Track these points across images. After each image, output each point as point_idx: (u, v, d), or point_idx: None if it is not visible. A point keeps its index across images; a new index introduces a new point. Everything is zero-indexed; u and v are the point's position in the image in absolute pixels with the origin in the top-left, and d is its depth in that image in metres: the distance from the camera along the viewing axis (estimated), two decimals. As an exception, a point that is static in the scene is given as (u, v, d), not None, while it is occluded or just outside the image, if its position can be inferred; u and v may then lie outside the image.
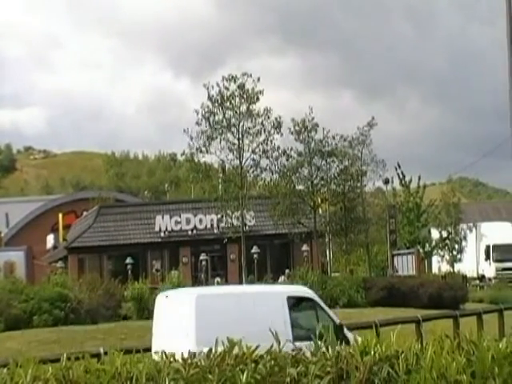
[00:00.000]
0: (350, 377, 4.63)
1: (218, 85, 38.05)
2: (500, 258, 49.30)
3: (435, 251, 50.75)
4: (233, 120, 38.22)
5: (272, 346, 4.97)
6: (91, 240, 49.38)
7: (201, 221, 50.00)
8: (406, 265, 43.26)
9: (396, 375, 4.67)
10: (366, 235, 45.32)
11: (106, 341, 22.22)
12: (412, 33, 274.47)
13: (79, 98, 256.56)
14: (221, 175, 41.36)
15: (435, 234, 50.85)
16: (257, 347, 4.89)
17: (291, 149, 40.92)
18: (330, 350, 4.82)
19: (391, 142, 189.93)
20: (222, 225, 43.06)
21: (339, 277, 38.86)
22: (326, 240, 50.90)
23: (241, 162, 38.74)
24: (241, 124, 38.26)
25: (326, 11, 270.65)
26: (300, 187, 42.34)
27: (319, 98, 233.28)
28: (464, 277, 42.54)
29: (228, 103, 38.11)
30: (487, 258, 50.54)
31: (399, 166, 49.88)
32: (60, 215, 65.43)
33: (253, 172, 40.18)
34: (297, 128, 40.81)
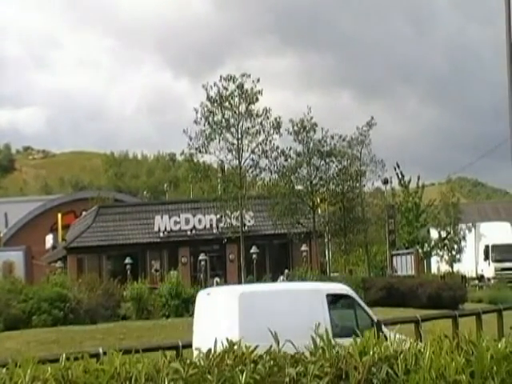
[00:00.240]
0: (349, 377, 4.63)
1: (216, 85, 38.08)
2: (499, 258, 49.29)
3: (434, 251, 50.78)
4: (232, 120, 38.23)
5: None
6: (90, 240, 49.36)
7: (200, 221, 49.98)
8: (405, 265, 43.28)
9: (395, 375, 4.67)
10: (365, 235, 45.33)
11: (105, 341, 22.23)
12: (411, 33, 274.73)
13: (78, 98, 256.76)
14: (220, 175, 41.36)
15: (434, 234, 50.88)
16: (256, 347, 4.90)
17: (290, 149, 40.97)
18: (328, 350, 4.82)
19: (390, 142, 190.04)
20: (221, 225, 43.08)
21: (338, 277, 38.90)
22: (325, 240, 50.91)
23: (240, 162, 38.75)
24: (240, 124, 38.28)
25: (325, 11, 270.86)
26: (299, 187, 42.35)
27: (317, 98, 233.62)
28: (463, 277, 42.57)
29: (227, 103, 38.12)
30: (486, 258, 50.54)
31: (398, 166, 49.95)
32: (59, 215, 65.39)
33: (252, 172, 40.21)
34: (295, 128, 40.82)
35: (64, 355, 4.83)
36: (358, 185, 44.00)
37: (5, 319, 26.93)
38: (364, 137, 42.75)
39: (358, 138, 42.70)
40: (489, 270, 50.01)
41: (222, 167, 41.03)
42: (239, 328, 12.58)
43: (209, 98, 38.12)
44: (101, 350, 14.14)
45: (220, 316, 13.62)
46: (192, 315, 29.85)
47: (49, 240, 62.04)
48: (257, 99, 38.06)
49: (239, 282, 39.55)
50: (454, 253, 50.41)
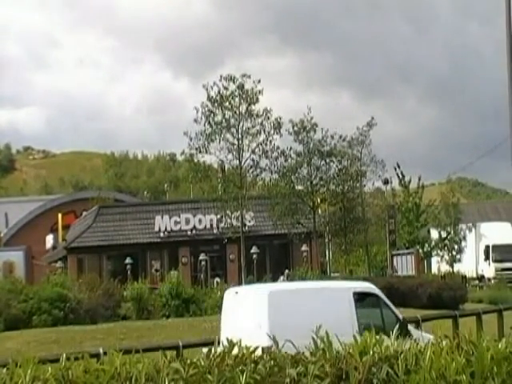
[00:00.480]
0: (350, 377, 4.63)
1: (216, 84, 38.08)
2: (499, 258, 49.27)
3: (434, 251, 50.75)
4: (232, 120, 38.25)
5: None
6: (90, 240, 49.37)
7: (200, 221, 49.99)
8: (405, 265, 43.31)
9: (395, 375, 4.67)
10: (365, 235, 45.37)
11: (105, 341, 22.22)
12: (410, 32, 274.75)
13: (78, 98, 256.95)
14: (220, 175, 41.37)
15: (434, 234, 50.85)
16: (256, 348, 4.90)
17: (290, 149, 40.98)
18: (328, 351, 4.82)
19: (390, 142, 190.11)
20: (222, 225, 43.09)
21: (339, 277, 38.89)
22: (326, 240, 50.93)
23: (240, 162, 38.77)
24: (240, 124, 38.29)
25: (324, 11, 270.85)
26: (299, 187, 42.38)
27: (317, 98, 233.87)
28: (463, 277, 42.57)
29: (227, 103, 38.14)
30: (486, 258, 50.52)
31: (398, 166, 49.93)
32: (59, 215, 65.40)
33: (252, 172, 40.22)
34: (295, 128, 40.83)
35: (64, 355, 4.82)
36: (358, 185, 44.04)
37: (5, 319, 26.93)
38: (364, 137, 42.82)
39: (359, 138, 42.75)
40: (489, 270, 49.98)
41: (222, 167, 41.04)
42: (269, 326, 12.70)
43: (209, 98, 38.14)
44: (101, 350, 14.13)
45: (249, 314, 13.82)
46: (192, 315, 30.09)
47: (49, 240, 62.06)
48: (257, 100, 38.09)
49: (239, 283, 39.55)
50: (454, 253, 50.37)
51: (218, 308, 30.50)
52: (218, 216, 42.80)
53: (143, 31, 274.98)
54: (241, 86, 37.89)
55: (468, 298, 33.93)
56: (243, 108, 38.15)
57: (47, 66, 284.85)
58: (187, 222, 49.98)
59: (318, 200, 43.48)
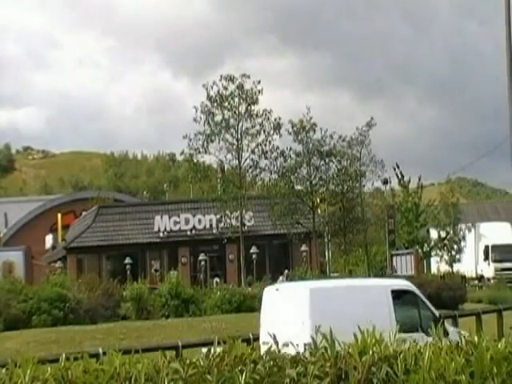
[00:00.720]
0: (349, 377, 4.63)
1: (216, 84, 38.11)
2: (499, 258, 49.27)
3: (434, 251, 50.75)
4: (232, 120, 38.28)
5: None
6: (90, 240, 49.37)
7: (200, 221, 49.99)
8: (404, 265, 43.26)
9: (395, 375, 4.67)
10: (364, 235, 45.36)
11: (104, 341, 22.22)
12: (410, 32, 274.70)
13: (78, 98, 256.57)
14: (220, 175, 41.40)
15: (434, 234, 50.86)
16: (257, 347, 4.90)
17: (290, 149, 41.00)
18: (328, 351, 4.83)
19: (389, 142, 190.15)
20: (221, 225, 43.11)
21: (338, 277, 38.86)
22: (325, 240, 50.93)
23: (240, 163, 38.81)
24: (240, 124, 38.32)
25: (324, 11, 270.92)
26: (299, 187, 42.40)
27: (317, 98, 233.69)
28: (463, 277, 42.53)
29: (227, 103, 38.17)
30: (486, 258, 50.53)
31: (398, 167, 49.92)
32: (59, 215, 65.38)
33: (252, 172, 40.26)
34: (295, 128, 40.84)
35: (64, 355, 4.83)
36: (357, 185, 44.05)
37: (4, 319, 26.92)
38: (364, 137, 42.80)
39: (358, 138, 42.75)
40: (488, 270, 49.99)
41: (221, 167, 41.08)
42: (310, 323, 12.88)
43: (209, 98, 38.18)
44: (100, 350, 14.15)
45: (290, 311, 14.07)
46: (191, 315, 30.07)
47: (48, 240, 62.04)
48: (257, 100, 38.13)
49: (239, 283, 39.57)
50: (453, 253, 50.38)
51: (217, 308, 30.60)
52: (218, 216, 42.82)
53: (143, 31, 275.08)
54: (240, 86, 37.93)
55: (467, 298, 33.94)
56: (243, 108, 38.19)
57: (47, 66, 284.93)
58: (187, 222, 49.98)
59: (318, 200, 43.49)
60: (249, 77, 38.31)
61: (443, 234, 50.40)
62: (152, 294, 31.40)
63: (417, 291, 15.46)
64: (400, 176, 49.86)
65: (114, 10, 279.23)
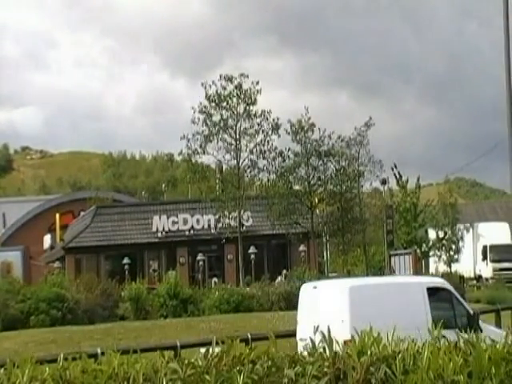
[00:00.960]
0: (347, 377, 4.63)
1: (215, 84, 38.11)
2: (497, 258, 49.29)
3: (432, 251, 50.77)
4: (230, 121, 38.29)
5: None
6: (88, 240, 49.34)
7: (198, 221, 49.96)
8: (403, 265, 43.20)
9: (393, 375, 4.68)
10: (363, 235, 45.36)
11: (103, 341, 22.21)
12: (409, 32, 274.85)
13: (76, 98, 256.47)
14: (218, 176, 41.40)
15: (432, 234, 50.87)
16: (254, 347, 4.90)
17: (288, 149, 41.01)
18: (327, 351, 4.83)
19: (388, 142, 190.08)
20: (220, 225, 43.09)
21: (336, 277, 38.84)
22: (324, 240, 50.93)
23: (238, 163, 38.81)
24: (238, 125, 38.33)
25: (322, 11, 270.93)
26: (297, 187, 42.39)
27: (315, 98, 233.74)
28: (461, 277, 42.54)
29: (225, 103, 38.17)
30: (484, 258, 50.55)
31: (395, 167, 49.91)
32: (57, 215, 65.30)
33: (250, 172, 40.26)
34: (293, 129, 40.85)
35: (62, 355, 4.82)
36: (356, 185, 44.04)
37: (3, 319, 26.93)
38: (362, 137, 42.79)
39: (356, 138, 42.74)
40: (487, 270, 50.01)
41: (220, 167, 41.07)
42: (350, 320, 13.15)
43: (207, 97, 38.18)
44: (99, 351, 14.15)
45: (329, 308, 14.29)
46: (190, 315, 30.08)
47: (47, 240, 61.98)
48: (255, 100, 38.14)
49: (237, 283, 39.57)
50: (452, 253, 50.41)
51: (215, 308, 30.60)
52: (216, 216, 42.80)
53: (141, 31, 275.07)
54: (239, 86, 37.93)
55: (466, 298, 33.90)
56: (241, 108, 38.20)
57: (45, 66, 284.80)
58: (185, 222, 49.95)
59: (316, 200, 43.48)
60: (247, 76, 38.35)
61: (441, 234, 50.42)
62: (150, 294, 31.40)
63: (451, 288, 15.77)
64: (398, 176, 49.87)
65: (113, 11, 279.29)
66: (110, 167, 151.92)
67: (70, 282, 33.29)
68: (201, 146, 38.45)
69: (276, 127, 39.02)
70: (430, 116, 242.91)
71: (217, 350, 4.81)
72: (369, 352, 4.78)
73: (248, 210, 44.46)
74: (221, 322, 26.35)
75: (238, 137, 38.46)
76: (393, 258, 45.40)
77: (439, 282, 16.59)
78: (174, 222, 50.00)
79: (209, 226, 49.28)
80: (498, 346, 5.03)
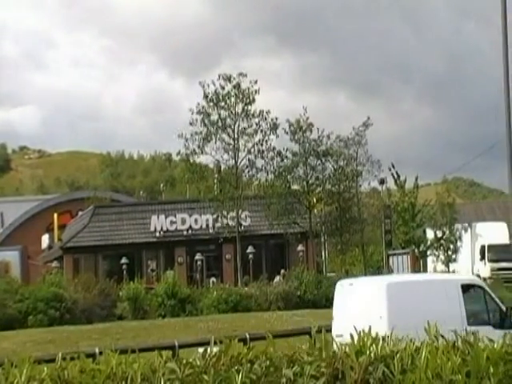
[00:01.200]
0: (346, 377, 4.63)
1: (213, 83, 38.09)
2: (495, 258, 49.28)
3: (430, 251, 50.76)
4: (228, 120, 38.27)
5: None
6: (86, 240, 49.32)
7: (196, 221, 49.94)
8: (401, 265, 43.30)
9: (391, 375, 4.67)
10: (361, 235, 45.37)
11: (101, 341, 22.21)
12: (408, 32, 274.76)
13: (74, 98, 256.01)
14: (216, 175, 41.39)
15: (430, 234, 50.87)
16: (253, 347, 4.90)
17: (286, 149, 41.00)
18: (325, 350, 4.83)
19: (386, 142, 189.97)
20: (218, 225, 43.09)
21: (334, 277, 38.86)
22: (322, 240, 50.93)
23: (236, 162, 38.80)
24: (236, 124, 38.31)
25: (321, 11, 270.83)
26: (295, 187, 42.38)
27: (314, 98, 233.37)
28: (459, 277, 42.55)
29: (223, 103, 38.16)
30: (482, 258, 50.54)
31: (393, 166, 49.91)
32: (55, 215, 65.30)
33: (248, 172, 40.26)
34: (292, 128, 40.85)
35: (60, 355, 4.82)
36: (354, 185, 44.04)
37: (0, 319, 26.92)
38: (360, 137, 42.80)
39: (355, 138, 42.75)
40: (485, 270, 49.98)
41: (218, 167, 41.06)
42: (388, 316, 13.46)
43: (206, 97, 38.17)
44: (97, 350, 14.15)
45: (366, 305, 14.52)
46: (188, 315, 30.08)
47: (45, 240, 61.96)
48: (253, 100, 38.12)
49: (235, 282, 39.57)
50: (450, 253, 50.37)
51: (213, 308, 30.60)
52: (214, 216, 42.80)
53: (139, 31, 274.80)
54: (237, 86, 37.92)
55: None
56: (239, 108, 38.19)
57: (43, 65, 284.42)
58: (183, 221, 49.94)
59: (314, 200, 43.46)
60: (246, 75, 38.33)
61: (439, 234, 50.39)
62: (148, 294, 31.42)
63: (484, 285, 16.12)
64: (396, 176, 49.88)
65: (111, 10, 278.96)
66: (108, 167, 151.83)
67: (68, 281, 33.28)
68: (199, 146, 38.45)
69: (274, 127, 39.02)
70: (428, 116, 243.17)
71: (215, 349, 4.81)
72: (367, 352, 4.78)
73: (246, 209, 44.45)
74: (219, 321, 26.35)
75: (236, 136, 38.45)
76: (391, 258, 45.48)
77: (473, 279, 17.17)
78: (172, 222, 49.99)
79: (207, 225, 49.28)
80: (495, 346, 5.03)
